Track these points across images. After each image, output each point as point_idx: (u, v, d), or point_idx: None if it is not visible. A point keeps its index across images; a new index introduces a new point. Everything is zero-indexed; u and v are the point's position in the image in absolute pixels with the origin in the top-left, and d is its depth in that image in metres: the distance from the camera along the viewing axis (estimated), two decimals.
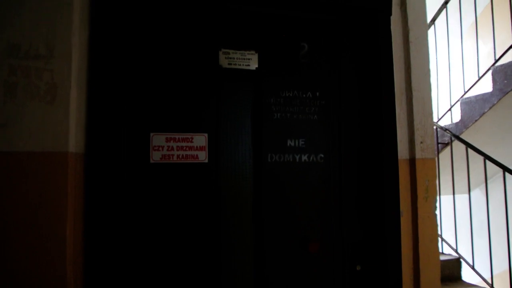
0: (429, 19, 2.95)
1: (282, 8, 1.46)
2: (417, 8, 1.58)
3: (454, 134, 2.99)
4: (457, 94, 3.34)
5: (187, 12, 1.38)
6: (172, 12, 1.37)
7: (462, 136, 2.99)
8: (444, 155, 3.19)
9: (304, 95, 1.48)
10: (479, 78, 3.15)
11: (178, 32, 1.37)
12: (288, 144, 1.45)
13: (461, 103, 3.16)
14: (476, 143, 2.85)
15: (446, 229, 3.18)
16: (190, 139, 1.35)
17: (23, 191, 1.11)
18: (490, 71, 2.92)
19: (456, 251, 2.96)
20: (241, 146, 1.41)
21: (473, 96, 3.05)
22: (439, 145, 3.23)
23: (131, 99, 1.30)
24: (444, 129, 3.11)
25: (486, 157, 2.67)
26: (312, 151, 1.47)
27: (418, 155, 1.52)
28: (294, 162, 1.45)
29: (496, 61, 2.93)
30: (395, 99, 1.51)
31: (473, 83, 3.21)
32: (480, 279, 2.71)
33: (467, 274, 2.85)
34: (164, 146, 1.32)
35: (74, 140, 1.17)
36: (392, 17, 1.55)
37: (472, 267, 2.78)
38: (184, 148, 1.34)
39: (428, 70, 1.58)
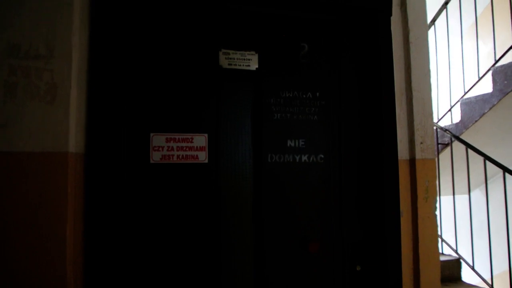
0: (429, 19, 2.96)
1: (282, 8, 1.46)
2: (417, 9, 1.58)
3: (454, 135, 2.98)
4: (457, 94, 3.34)
5: (187, 12, 1.39)
6: (172, 12, 1.37)
7: (462, 137, 2.99)
8: (444, 155, 3.19)
9: (304, 96, 1.48)
10: (479, 79, 3.15)
11: (178, 32, 1.37)
12: (288, 145, 1.45)
13: (461, 104, 3.16)
14: (476, 143, 2.85)
15: (446, 230, 3.18)
16: (190, 140, 1.35)
17: (23, 191, 1.11)
18: (490, 72, 2.92)
19: (456, 251, 2.96)
20: (241, 146, 1.41)
21: (473, 97, 3.05)
22: (439, 145, 3.23)
23: (131, 99, 1.30)
24: (444, 129, 3.11)
25: (486, 157, 2.67)
26: (312, 151, 1.47)
27: (418, 155, 1.52)
28: (294, 162, 1.45)
29: (496, 61, 2.93)
30: (395, 100, 1.51)
31: (473, 83, 3.21)
32: (480, 280, 2.71)
33: (467, 275, 2.85)
34: (164, 147, 1.32)
35: (74, 140, 1.17)
36: (392, 18, 1.55)
37: (472, 268, 2.78)
38: (184, 148, 1.34)
39: (428, 71, 1.58)
